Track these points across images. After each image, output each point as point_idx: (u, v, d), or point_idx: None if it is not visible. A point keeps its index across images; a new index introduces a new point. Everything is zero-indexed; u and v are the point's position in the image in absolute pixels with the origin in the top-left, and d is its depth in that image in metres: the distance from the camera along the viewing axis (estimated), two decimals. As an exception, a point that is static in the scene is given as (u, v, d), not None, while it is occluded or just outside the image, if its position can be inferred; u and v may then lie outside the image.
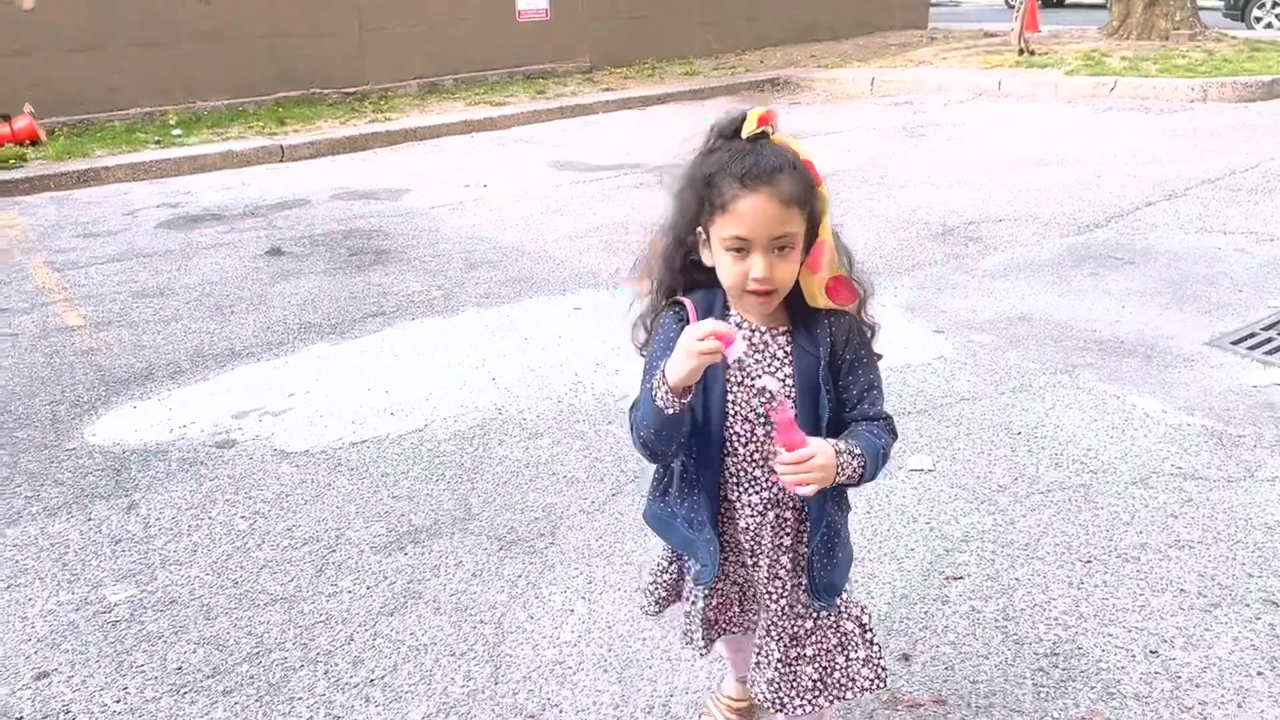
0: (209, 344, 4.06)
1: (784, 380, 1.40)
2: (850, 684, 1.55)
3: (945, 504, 2.68)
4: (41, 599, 2.41)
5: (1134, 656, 2.08)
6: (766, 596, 1.53)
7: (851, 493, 1.55)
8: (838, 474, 1.32)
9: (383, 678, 2.10)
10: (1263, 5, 15.38)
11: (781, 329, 1.42)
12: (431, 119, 9.18)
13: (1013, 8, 21.76)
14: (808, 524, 1.48)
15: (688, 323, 1.37)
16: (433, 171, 7.41)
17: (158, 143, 8.24)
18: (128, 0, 9.03)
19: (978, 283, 4.50)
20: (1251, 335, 3.80)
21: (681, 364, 1.27)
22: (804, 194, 1.32)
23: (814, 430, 1.38)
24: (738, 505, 1.47)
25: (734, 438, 1.42)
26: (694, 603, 1.59)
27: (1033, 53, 11.45)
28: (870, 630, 1.57)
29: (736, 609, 1.61)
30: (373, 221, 5.96)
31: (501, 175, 7.17)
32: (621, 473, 2.90)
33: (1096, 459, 2.88)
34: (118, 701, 2.06)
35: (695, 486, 1.47)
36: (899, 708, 1.97)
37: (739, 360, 1.28)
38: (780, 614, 1.52)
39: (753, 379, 1.38)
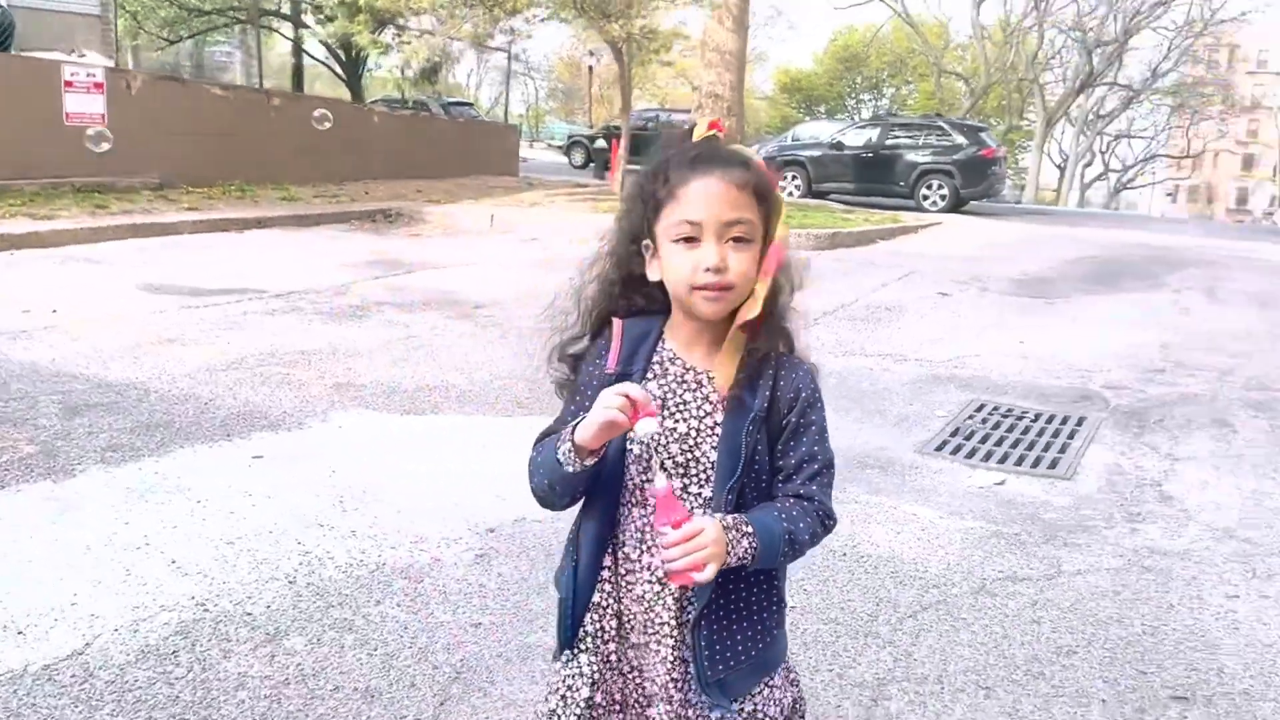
0: None
1: (694, 435, 1.21)
2: None
3: (827, 644, 2.31)
4: None
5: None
6: (658, 696, 1.24)
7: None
8: (728, 554, 1.13)
9: None
10: (930, 186, 15.86)
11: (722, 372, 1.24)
12: (-56, 232, 7.02)
13: (576, 166, 23.98)
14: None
15: (607, 350, 1.23)
16: (-37, 294, 5.53)
17: None
18: None
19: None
20: (945, 443, 4.13)
21: (589, 419, 1.13)
22: (759, 185, 1.20)
23: (726, 497, 1.18)
24: (637, 567, 1.23)
25: (642, 486, 1.21)
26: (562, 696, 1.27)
27: (626, 201, 12.47)
28: None
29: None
30: (-118, 356, 4.15)
31: (72, 299, 5.58)
32: (435, 669, 2.07)
33: (928, 571, 2.76)
34: None
35: (584, 535, 1.24)
36: None
37: (644, 442, 1.16)
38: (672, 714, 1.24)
39: (645, 467, 1.19)
